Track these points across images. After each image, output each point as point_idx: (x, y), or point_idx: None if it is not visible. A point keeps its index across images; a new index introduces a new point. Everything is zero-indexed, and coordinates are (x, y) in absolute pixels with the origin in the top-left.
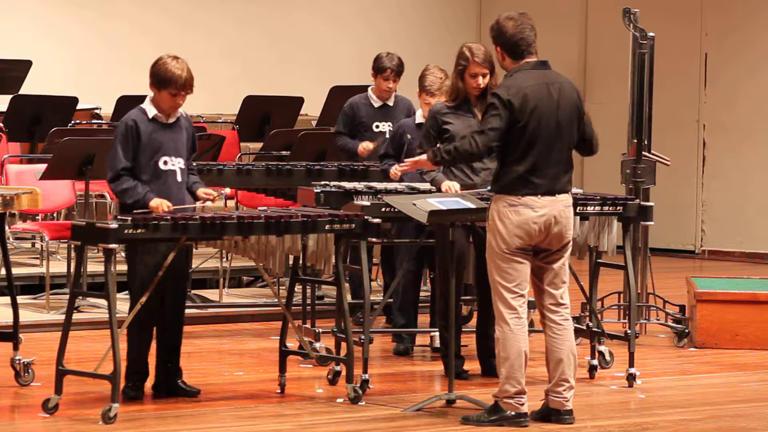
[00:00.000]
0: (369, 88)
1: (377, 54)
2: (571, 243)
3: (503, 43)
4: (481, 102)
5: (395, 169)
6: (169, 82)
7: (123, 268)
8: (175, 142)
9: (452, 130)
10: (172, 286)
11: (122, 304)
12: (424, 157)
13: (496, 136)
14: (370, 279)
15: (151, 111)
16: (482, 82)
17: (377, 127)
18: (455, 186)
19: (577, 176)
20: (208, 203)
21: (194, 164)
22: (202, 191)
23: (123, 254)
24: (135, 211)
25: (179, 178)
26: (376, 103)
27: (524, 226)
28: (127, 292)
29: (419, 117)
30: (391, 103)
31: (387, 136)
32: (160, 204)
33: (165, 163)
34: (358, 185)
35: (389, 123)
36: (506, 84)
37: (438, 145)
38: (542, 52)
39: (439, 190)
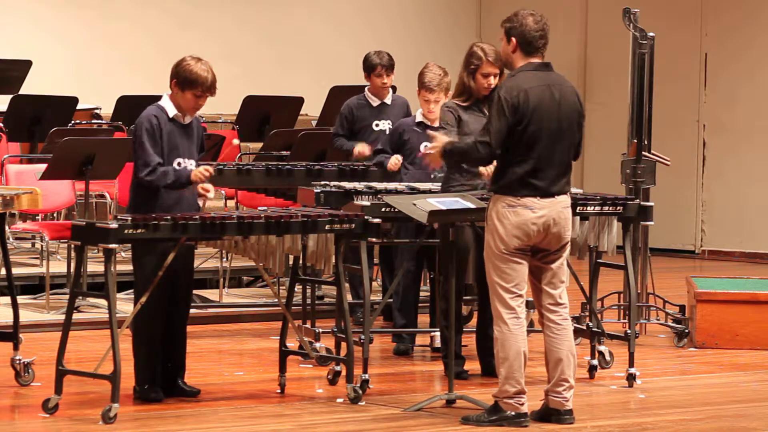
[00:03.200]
0: (365, 89)
1: (365, 55)
2: (569, 243)
3: (521, 35)
4: (488, 101)
5: (394, 161)
6: (194, 83)
7: (123, 268)
8: (189, 144)
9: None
10: (181, 286)
11: (123, 304)
12: (441, 141)
13: (499, 143)
14: (370, 279)
15: (171, 110)
16: (493, 82)
17: (377, 126)
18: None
19: (577, 176)
20: (210, 195)
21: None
22: (200, 186)
23: (123, 254)
24: (134, 215)
25: None
26: (375, 102)
27: (523, 226)
28: (127, 292)
29: (419, 116)
30: (388, 101)
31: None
32: (200, 172)
33: (179, 164)
34: (358, 185)
35: (389, 121)
36: (508, 85)
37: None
38: (545, 56)
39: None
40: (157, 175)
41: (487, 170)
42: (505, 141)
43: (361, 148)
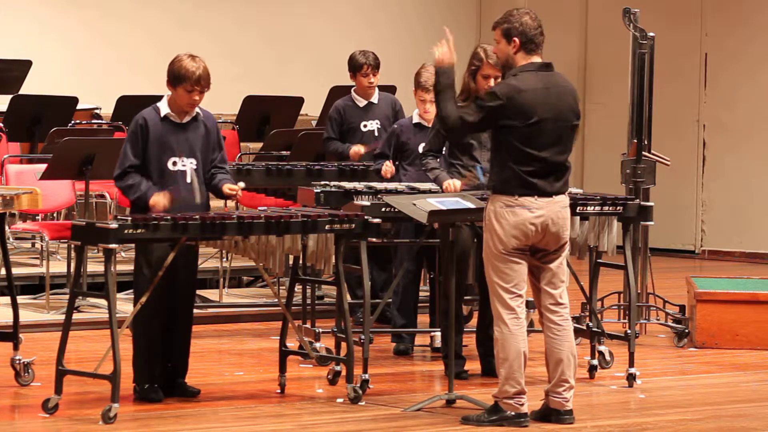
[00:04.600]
0: (352, 90)
1: (350, 55)
2: (568, 243)
3: (522, 34)
4: None
5: (386, 168)
6: (183, 78)
7: (123, 268)
8: (189, 143)
9: None
10: (182, 286)
11: (123, 304)
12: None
13: (468, 131)
14: (369, 279)
15: (164, 110)
16: (494, 84)
17: (365, 126)
18: (456, 184)
19: (577, 176)
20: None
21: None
22: (227, 187)
23: (123, 254)
24: (134, 215)
25: (189, 179)
26: (361, 103)
27: (521, 226)
28: (127, 292)
29: (415, 117)
30: (375, 100)
31: (376, 134)
32: (157, 202)
33: (174, 163)
34: (358, 185)
35: (376, 121)
36: (507, 83)
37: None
38: (543, 52)
39: (440, 187)
40: (124, 181)
41: (453, 184)
42: (473, 131)
43: (357, 149)
